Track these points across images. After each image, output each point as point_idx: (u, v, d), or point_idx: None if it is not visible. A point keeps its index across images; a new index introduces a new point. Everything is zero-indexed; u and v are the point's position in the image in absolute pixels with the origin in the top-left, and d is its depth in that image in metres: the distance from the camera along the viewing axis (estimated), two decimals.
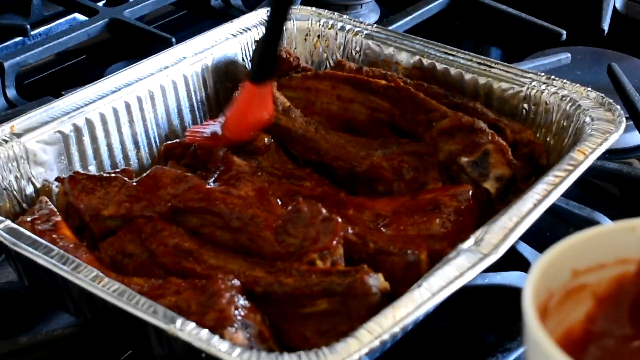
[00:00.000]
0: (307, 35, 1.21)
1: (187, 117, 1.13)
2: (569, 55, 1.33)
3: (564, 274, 0.60)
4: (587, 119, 1.00)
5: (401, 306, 0.77)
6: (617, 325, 0.61)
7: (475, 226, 0.91)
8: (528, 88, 1.07)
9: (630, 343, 0.59)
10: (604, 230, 0.61)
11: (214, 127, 1.04)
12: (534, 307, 0.56)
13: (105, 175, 0.97)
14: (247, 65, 1.18)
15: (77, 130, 1.03)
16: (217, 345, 0.74)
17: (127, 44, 1.44)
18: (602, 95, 1.03)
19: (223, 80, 1.16)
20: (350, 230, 0.89)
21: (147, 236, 0.90)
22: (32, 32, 1.45)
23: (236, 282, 0.83)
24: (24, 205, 0.98)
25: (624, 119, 0.99)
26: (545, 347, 0.53)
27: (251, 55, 1.17)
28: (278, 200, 0.93)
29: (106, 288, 0.79)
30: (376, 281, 0.82)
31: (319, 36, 1.21)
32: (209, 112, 1.15)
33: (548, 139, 1.05)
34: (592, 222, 1.02)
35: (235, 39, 1.18)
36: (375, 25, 1.20)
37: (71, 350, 0.89)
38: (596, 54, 1.41)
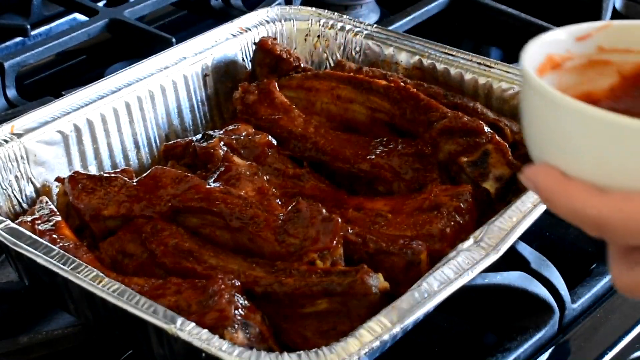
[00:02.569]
0: (307, 35, 1.21)
1: (187, 117, 1.13)
2: None
3: (588, 45, 0.65)
4: None
5: (401, 306, 0.77)
6: (636, 102, 0.65)
7: (475, 226, 0.91)
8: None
9: None
10: (634, 23, 0.66)
11: None
12: (535, 54, 0.62)
13: (105, 175, 0.97)
14: (247, 65, 1.18)
15: (77, 130, 1.03)
16: (217, 344, 0.74)
17: (127, 44, 1.44)
18: None
19: (223, 80, 1.16)
20: (350, 230, 0.89)
21: (147, 236, 0.90)
22: (33, 32, 1.45)
23: (236, 282, 0.83)
24: (24, 205, 0.98)
25: None
26: (529, 78, 0.59)
27: (251, 55, 1.17)
28: (278, 200, 0.93)
29: (106, 288, 0.79)
30: (376, 281, 0.82)
31: (319, 36, 1.21)
32: (209, 112, 1.16)
33: None
34: None
35: (235, 39, 1.18)
36: (375, 25, 1.20)
37: (71, 350, 0.89)
38: None
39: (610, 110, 0.58)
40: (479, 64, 1.11)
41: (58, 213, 0.94)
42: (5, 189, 0.97)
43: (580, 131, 0.57)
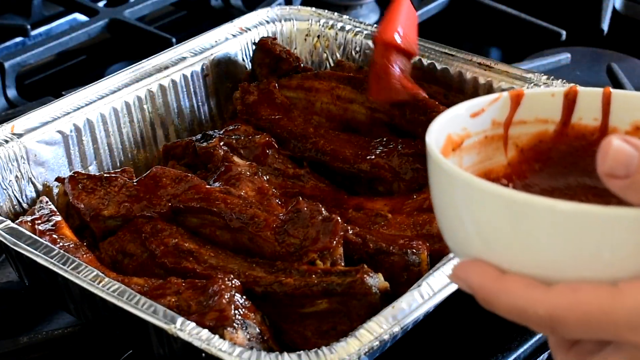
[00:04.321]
0: (307, 35, 1.21)
1: (187, 117, 1.13)
2: (569, 55, 1.34)
3: (483, 120, 0.63)
4: None
5: (401, 306, 0.77)
6: (536, 175, 0.64)
7: None
8: (528, 88, 1.07)
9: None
10: (526, 92, 0.64)
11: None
12: (438, 134, 0.60)
13: (105, 175, 0.97)
14: (247, 65, 1.18)
15: (77, 130, 1.03)
16: (217, 345, 0.74)
17: (127, 44, 1.44)
18: None
19: (223, 81, 1.16)
20: (350, 230, 0.89)
21: (147, 236, 0.90)
22: (33, 33, 1.45)
23: (236, 282, 0.83)
24: (25, 205, 0.98)
25: None
26: (434, 157, 0.56)
27: (251, 55, 1.17)
28: (278, 200, 0.93)
29: (106, 288, 0.79)
30: (376, 281, 0.82)
31: (319, 36, 1.21)
32: (209, 112, 1.16)
33: None
34: None
35: (235, 39, 1.18)
36: (375, 25, 1.20)
37: (71, 349, 0.89)
38: (596, 54, 1.41)
39: (508, 179, 0.57)
40: (479, 64, 1.11)
41: (58, 213, 0.94)
42: (5, 189, 0.97)
43: (493, 214, 0.54)
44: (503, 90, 1.08)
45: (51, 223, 0.92)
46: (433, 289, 0.79)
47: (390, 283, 0.83)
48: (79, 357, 0.90)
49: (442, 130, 0.61)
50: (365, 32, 1.19)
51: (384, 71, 1.01)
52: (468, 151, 0.63)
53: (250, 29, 1.19)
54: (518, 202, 0.53)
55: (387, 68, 1.01)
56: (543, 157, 0.64)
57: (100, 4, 1.52)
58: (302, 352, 0.74)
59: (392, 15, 1.04)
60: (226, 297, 0.80)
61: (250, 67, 1.17)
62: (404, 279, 0.86)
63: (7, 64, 1.30)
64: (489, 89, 1.09)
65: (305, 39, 1.21)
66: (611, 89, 0.64)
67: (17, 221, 0.91)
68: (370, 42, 1.18)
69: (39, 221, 0.92)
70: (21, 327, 0.96)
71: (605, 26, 1.43)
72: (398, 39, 1.02)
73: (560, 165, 0.64)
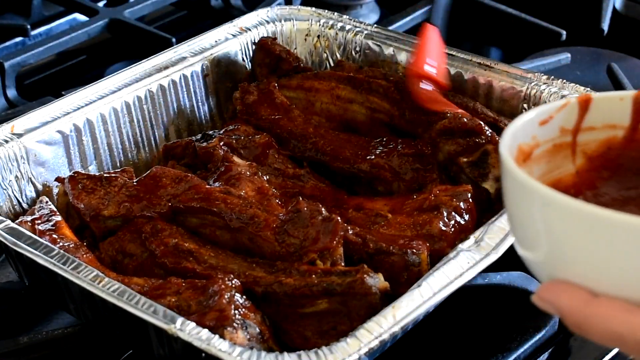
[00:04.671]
0: (307, 35, 1.21)
1: (187, 117, 1.13)
2: (569, 55, 1.34)
3: (551, 128, 0.62)
4: None
5: (401, 306, 0.77)
6: (605, 184, 0.62)
7: (475, 226, 0.91)
8: (528, 88, 1.07)
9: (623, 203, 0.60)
10: (594, 97, 0.63)
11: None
12: (510, 146, 0.58)
13: (105, 175, 0.97)
14: (247, 65, 1.18)
15: (77, 130, 1.03)
16: (217, 344, 0.74)
17: (127, 44, 1.44)
18: None
19: (223, 81, 1.16)
20: (350, 230, 0.89)
21: (147, 236, 0.90)
22: (33, 33, 1.45)
23: (236, 281, 0.83)
24: (25, 205, 0.98)
25: None
26: (513, 173, 0.54)
27: (251, 55, 1.17)
28: (278, 200, 0.93)
29: (106, 288, 0.79)
30: (376, 281, 0.82)
31: (319, 36, 1.21)
32: (209, 112, 1.16)
33: None
34: None
35: (235, 39, 1.18)
36: (375, 25, 1.20)
37: (71, 349, 0.89)
38: (596, 54, 1.41)
39: (577, 189, 0.55)
40: (479, 64, 1.11)
41: (58, 213, 0.94)
42: (5, 189, 0.97)
43: (584, 234, 0.51)
44: (504, 90, 1.08)
45: (51, 223, 0.92)
46: (433, 289, 0.79)
47: (390, 283, 0.83)
48: (79, 357, 0.90)
49: (514, 140, 0.59)
50: (365, 32, 1.19)
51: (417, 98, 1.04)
52: (537, 161, 0.61)
53: (250, 29, 1.19)
54: (609, 221, 0.50)
55: (419, 95, 1.04)
56: (612, 165, 0.63)
57: (100, 4, 1.52)
58: (302, 352, 0.74)
59: (422, 48, 1.06)
60: (226, 297, 0.80)
61: (250, 67, 1.17)
62: (404, 279, 0.86)
63: (7, 64, 1.30)
64: (488, 89, 1.09)
65: (305, 39, 1.21)
66: None
67: (17, 221, 0.91)
68: (370, 42, 1.18)
69: (39, 221, 0.92)
70: (21, 327, 0.96)
71: (605, 26, 1.43)
72: (430, 69, 1.05)
73: (630, 172, 0.62)
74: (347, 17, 1.22)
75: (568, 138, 0.63)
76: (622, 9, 1.52)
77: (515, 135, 0.60)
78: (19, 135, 0.99)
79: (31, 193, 0.99)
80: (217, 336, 0.75)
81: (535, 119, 0.61)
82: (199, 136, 1.05)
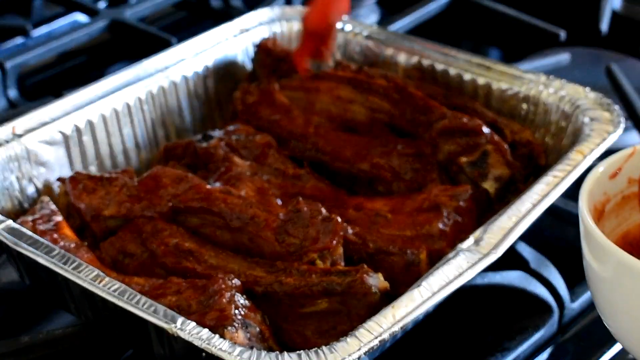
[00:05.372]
0: None
1: (188, 118, 1.13)
2: (568, 55, 1.34)
3: (620, 180, 0.62)
4: (586, 120, 1.01)
5: (401, 306, 0.78)
6: None
7: (474, 226, 0.91)
8: (527, 88, 1.07)
9: None
10: None
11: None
12: (588, 206, 0.59)
13: (106, 175, 0.97)
14: (247, 66, 1.18)
15: (78, 130, 1.03)
16: (217, 344, 0.74)
17: (127, 45, 1.44)
18: (601, 95, 1.04)
19: (223, 81, 1.17)
20: (350, 230, 0.89)
21: (147, 236, 0.91)
22: (34, 33, 1.45)
23: (236, 281, 0.83)
24: (25, 205, 0.98)
25: (623, 119, 0.99)
26: (597, 238, 0.54)
27: (251, 56, 1.17)
28: (278, 200, 0.93)
29: (107, 287, 0.80)
30: (376, 281, 0.82)
31: None
32: (209, 113, 1.16)
33: (547, 139, 1.05)
34: None
35: (235, 39, 1.18)
36: (375, 25, 1.20)
37: (72, 349, 0.89)
38: (595, 55, 1.42)
39: None
40: (479, 64, 1.11)
41: (59, 213, 0.94)
42: (6, 189, 0.97)
43: None
44: (503, 90, 1.09)
45: (52, 223, 0.92)
46: (433, 288, 0.79)
47: (390, 283, 0.83)
48: (79, 357, 0.90)
49: (589, 201, 0.59)
50: (365, 32, 1.19)
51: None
52: (608, 216, 0.62)
53: (250, 29, 1.19)
54: None
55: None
56: None
57: (101, 5, 1.52)
58: (302, 351, 0.74)
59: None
60: (226, 296, 0.80)
61: (251, 67, 1.18)
62: (403, 278, 0.86)
63: (8, 64, 1.30)
64: (488, 89, 1.10)
65: None
66: None
67: (18, 221, 0.91)
68: (370, 42, 1.18)
69: (40, 221, 0.92)
70: (21, 327, 0.96)
71: (604, 27, 1.43)
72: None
73: None
74: (347, 17, 1.22)
75: (635, 188, 0.63)
76: (622, 10, 1.52)
77: (589, 195, 0.60)
78: (20, 136, 0.99)
79: (32, 193, 0.99)
80: (217, 336, 0.75)
81: (605, 173, 0.61)
82: (199, 136, 1.06)
